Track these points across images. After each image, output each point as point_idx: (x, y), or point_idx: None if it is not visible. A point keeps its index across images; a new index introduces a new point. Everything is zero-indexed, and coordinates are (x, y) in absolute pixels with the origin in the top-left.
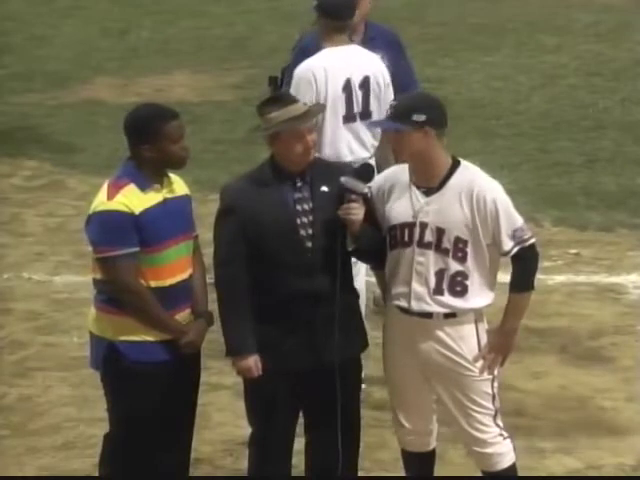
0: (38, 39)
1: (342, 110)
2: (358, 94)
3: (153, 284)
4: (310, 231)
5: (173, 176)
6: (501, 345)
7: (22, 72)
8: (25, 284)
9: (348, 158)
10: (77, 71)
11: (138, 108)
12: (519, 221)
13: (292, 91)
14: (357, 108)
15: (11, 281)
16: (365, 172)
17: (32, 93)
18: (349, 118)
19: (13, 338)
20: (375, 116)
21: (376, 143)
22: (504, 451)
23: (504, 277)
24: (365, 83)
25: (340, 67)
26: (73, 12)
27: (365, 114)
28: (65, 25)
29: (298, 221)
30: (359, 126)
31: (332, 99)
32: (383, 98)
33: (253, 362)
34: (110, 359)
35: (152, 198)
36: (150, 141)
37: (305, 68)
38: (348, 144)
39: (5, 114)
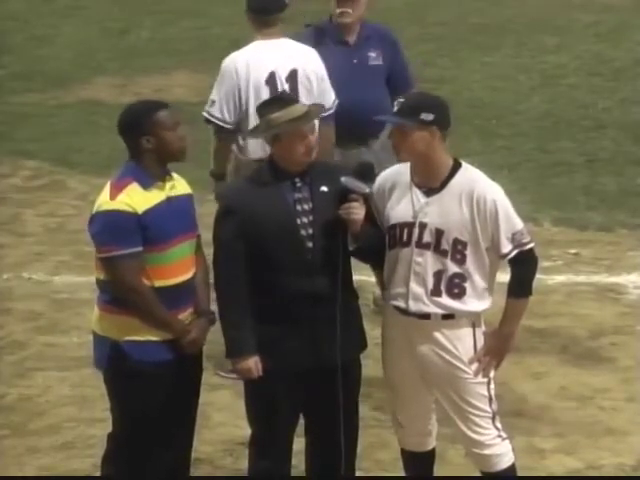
0: (38, 39)
1: None
2: (285, 87)
3: (157, 284)
4: (310, 231)
5: (175, 175)
6: (497, 348)
7: (22, 72)
8: (25, 284)
9: None
10: (77, 71)
11: (127, 106)
12: (519, 225)
13: (216, 83)
14: None
15: (11, 281)
16: (366, 171)
17: (32, 93)
18: None
19: (13, 338)
20: None
21: None
22: (503, 452)
23: (504, 277)
24: (292, 76)
25: (264, 60)
26: (73, 12)
27: None
28: (65, 25)
29: (298, 221)
30: None
31: (255, 91)
32: (316, 92)
33: (253, 363)
34: (114, 359)
35: (155, 196)
36: (147, 131)
37: (229, 61)
38: None
39: (5, 114)
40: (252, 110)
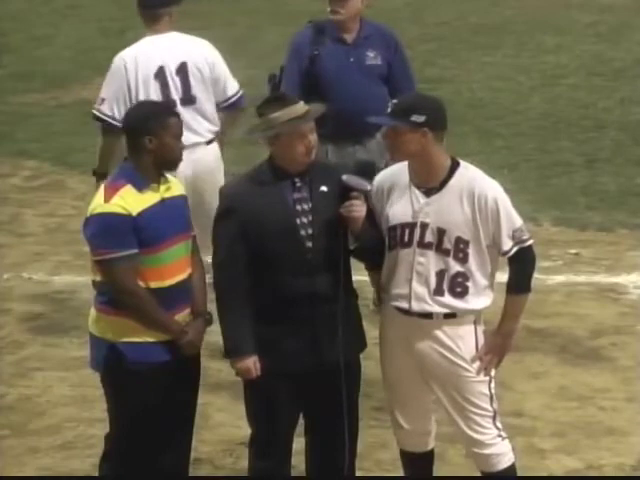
0: (38, 39)
1: (157, 97)
2: (175, 80)
3: (153, 285)
4: (310, 231)
5: (170, 177)
6: (498, 347)
7: (22, 72)
8: (25, 284)
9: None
10: (77, 71)
11: (140, 103)
12: (519, 222)
13: (105, 81)
14: (176, 94)
15: (11, 281)
16: (366, 169)
17: (32, 93)
18: None
19: (13, 338)
20: (202, 100)
21: (213, 127)
22: (503, 451)
23: (503, 277)
24: (182, 69)
25: (153, 54)
26: (73, 12)
27: (187, 99)
28: (65, 25)
29: (298, 221)
30: (182, 112)
31: (144, 86)
32: (209, 80)
33: (252, 363)
34: (111, 360)
35: (150, 198)
36: (153, 132)
37: (118, 58)
38: None
39: (5, 114)
40: None
